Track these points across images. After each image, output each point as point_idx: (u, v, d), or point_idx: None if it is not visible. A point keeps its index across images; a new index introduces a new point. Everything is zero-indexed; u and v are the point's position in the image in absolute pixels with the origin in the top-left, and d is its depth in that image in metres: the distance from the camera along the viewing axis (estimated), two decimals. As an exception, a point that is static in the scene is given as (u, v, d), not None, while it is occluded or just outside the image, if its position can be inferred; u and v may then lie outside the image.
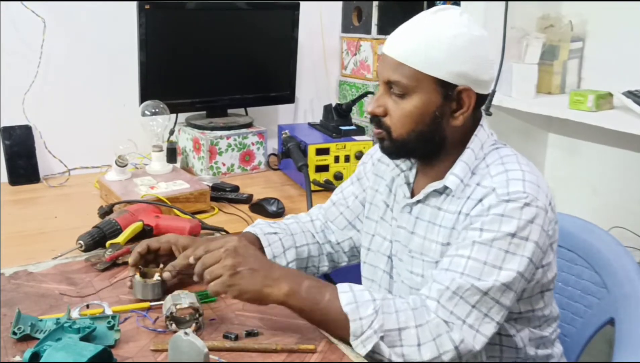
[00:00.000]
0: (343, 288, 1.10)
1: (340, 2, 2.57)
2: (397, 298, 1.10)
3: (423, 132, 1.15)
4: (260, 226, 1.36)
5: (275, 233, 1.34)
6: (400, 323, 1.06)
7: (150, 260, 1.29)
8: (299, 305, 1.09)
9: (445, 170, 1.18)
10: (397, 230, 1.26)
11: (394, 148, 1.18)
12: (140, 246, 1.27)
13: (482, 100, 1.17)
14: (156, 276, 1.24)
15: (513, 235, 1.07)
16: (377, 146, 1.32)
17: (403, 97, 1.13)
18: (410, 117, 1.13)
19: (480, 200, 1.11)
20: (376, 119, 1.17)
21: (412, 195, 1.24)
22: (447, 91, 1.12)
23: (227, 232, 1.63)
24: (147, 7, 2.00)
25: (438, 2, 2.51)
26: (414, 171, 1.27)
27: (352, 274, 1.41)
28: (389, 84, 1.15)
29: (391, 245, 1.28)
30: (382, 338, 1.05)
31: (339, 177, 2.02)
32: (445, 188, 1.17)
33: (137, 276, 1.23)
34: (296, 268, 1.33)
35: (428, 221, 1.20)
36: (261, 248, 1.30)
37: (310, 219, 1.44)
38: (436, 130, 1.15)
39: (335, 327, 1.09)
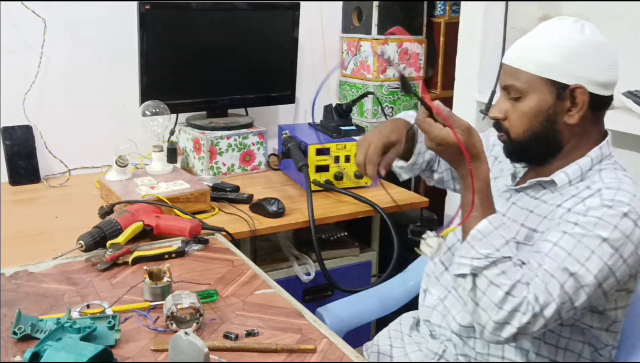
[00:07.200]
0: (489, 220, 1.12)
1: (340, 2, 2.57)
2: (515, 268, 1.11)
3: (538, 132, 1.21)
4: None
5: None
6: (496, 279, 1.08)
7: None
8: (467, 185, 1.13)
9: (557, 169, 1.23)
10: None
11: (513, 149, 1.26)
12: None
13: (603, 102, 1.20)
14: (165, 278, 1.24)
15: (604, 240, 1.09)
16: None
17: (519, 100, 1.21)
18: (526, 117, 1.21)
19: (584, 199, 1.14)
20: (497, 124, 1.26)
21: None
22: (559, 91, 1.18)
23: (227, 232, 1.63)
24: (147, 7, 2.00)
25: (438, 2, 2.51)
26: (525, 169, 1.33)
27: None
28: (506, 89, 1.23)
29: None
30: (474, 275, 1.10)
31: (339, 177, 2.01)
32: (552, 183, 1.22)
33: (147, 279, 1.23)
34: None
35: (527, 209, 1.24)
36: None
37: None
38: (551, 128, 1.20)
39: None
